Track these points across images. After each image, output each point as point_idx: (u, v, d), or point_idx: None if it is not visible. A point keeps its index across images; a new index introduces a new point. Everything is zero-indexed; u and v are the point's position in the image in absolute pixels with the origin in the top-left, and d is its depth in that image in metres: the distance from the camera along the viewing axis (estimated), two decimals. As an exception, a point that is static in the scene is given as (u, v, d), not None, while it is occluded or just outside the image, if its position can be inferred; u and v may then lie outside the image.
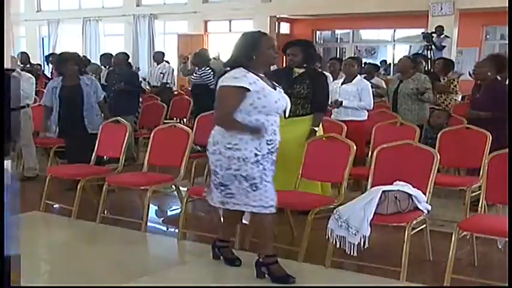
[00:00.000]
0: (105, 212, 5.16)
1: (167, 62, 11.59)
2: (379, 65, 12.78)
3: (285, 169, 4.73)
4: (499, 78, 5.79)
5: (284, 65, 6.11)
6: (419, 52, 11.94)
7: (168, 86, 10.66)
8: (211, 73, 8.82)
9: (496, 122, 5.31)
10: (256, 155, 3.53)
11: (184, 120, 9.58)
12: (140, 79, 9.13)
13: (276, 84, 3.77)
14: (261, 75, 3.64)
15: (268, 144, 3.57)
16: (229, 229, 4.11)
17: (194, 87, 8.89)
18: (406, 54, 11.38)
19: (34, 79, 7.23)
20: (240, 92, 3.50)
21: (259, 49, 3.61)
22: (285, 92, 5.14)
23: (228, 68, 3.68)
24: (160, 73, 10.72)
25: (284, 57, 5.51)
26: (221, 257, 4.04)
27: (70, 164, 5.94)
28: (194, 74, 8.92)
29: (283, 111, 3.70)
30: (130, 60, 8.91)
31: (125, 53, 8.63)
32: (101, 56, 11.10)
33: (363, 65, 9.06)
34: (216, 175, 3.67)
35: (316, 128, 5.08)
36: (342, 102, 6.09)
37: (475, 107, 5.74)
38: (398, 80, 7.05)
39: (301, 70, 5.15)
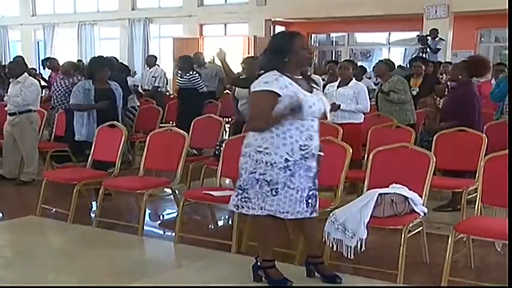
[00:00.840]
0: (102, 216, 5.14)
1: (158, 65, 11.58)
2: (365, 67, 12.74)
3: None
4: (476, 80, 5.76)
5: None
6: (418, 55, 11.97)
7: (159, 89, 10.64)
8: (199, 76, 8.76)
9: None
10: (286, 160, 3.45)
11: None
12: (130, 83, 9.06)
13: (315, 86, 3.66)
14: (296, 77, 3.52)
15: (301, 149, 3.47)
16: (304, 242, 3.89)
17: (183, 91, 8.62)
18: (400, 57, 11.40)
19: (38, 85, 7.20)
20: (271, 96, 3.40)
21: (292, 50, 3.49)
22: None
23: (262, 72, 3.58)
24: (152, 77, 10.71)
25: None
26: (315, 274, 3.80)
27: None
28: (180, 78, 8.73)
29: (322, 114, 3.59)
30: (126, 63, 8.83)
31: (115, 58, 8.58)
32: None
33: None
34: (240, 177, 3.60)
35: None
36: (339, 105, 6.10)
37: (442, 112, 5.72)
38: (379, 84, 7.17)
39: None
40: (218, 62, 10.79)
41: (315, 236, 3.79)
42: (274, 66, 3.50)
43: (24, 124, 6.80)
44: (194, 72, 8.65)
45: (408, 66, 10.39)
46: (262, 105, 3.44)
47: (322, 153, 3.69)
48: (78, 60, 13.73)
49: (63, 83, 7.57)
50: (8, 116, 6.89)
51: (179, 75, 8.89)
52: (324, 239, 3.81)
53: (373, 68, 9.19)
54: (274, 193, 3.49)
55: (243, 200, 3.59)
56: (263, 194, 3.50)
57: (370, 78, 11.11)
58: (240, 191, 3.59)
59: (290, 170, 3.47)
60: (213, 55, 10.99)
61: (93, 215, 5.30)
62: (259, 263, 3.71)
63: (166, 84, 11.50)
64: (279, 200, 3.49)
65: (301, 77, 3.56)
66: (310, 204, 3.58)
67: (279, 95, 3.40)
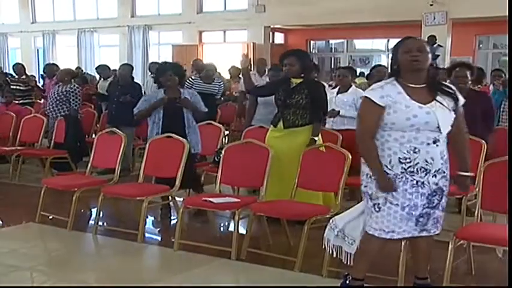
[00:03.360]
0: (101, 223, 5.14)
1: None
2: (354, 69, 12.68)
3: (283, 179, 4.73)
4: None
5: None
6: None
7: None
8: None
9: None
10: (387, 173, 3.24)
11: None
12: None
13: (443, 97, 3.27)
14: (413, 85, 3.27)
15: (401, 162, 3.22)
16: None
17: (212, 97, 8.01)
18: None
19: None
20: (372, 106, 3.23)
21: (397, 56, 3.32)
22: (283, 102, 5.16)
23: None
24: (155, 83, 10.68)
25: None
26: None
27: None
28: (208, 84, 8.12)
29: (437, 127, 3.22)
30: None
31: (130, 65, 8.54)
32: (97, 67, 11.10)
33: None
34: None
35: (316, 138, 5.09)
36: (339, 111, 6.11)
37: None
38: None
39: (299, 80, 5.15)
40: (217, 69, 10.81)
41: (423, 257, 3.51)
42: (391, 75, 3.39)
43: None
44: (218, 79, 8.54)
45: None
46: (365, 121, 3.28)
47: (468, 174, 3.44)
48: (77, 68, 13.79)
49: (58, 90, 7.58)
50: None
51: (202, 80, 8.24)
52: (323, 246, 3.80)
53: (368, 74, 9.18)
54: (377, 209, 3.29)
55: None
56: (369, 209, 3.35)
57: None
58: None
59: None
60: (213, 62, 10.95)
61: (92, 222, 5.29)
62: (348, 281, 3.54)
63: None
64: (382, 217, 3.28)
65: (423, 85, 3.28)
66: (420, 223, 3.31)
67: (379, 105, 3.22)
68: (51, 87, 8.54)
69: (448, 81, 5.69)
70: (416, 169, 3.24)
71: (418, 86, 3.27)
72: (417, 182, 3.25)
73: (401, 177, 3.25)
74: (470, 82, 5.43)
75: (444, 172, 3.31)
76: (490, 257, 4.22)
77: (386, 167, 3.26)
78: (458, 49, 14.50)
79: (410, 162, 3.24)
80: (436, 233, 3.40)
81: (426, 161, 3.24)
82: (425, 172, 3.25)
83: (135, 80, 8.56)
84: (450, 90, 3.32)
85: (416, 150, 3.23)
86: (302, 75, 5.16)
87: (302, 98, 5.08)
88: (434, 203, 3.31)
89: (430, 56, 3.32)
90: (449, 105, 3.28)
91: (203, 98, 6.80)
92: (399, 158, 3.24)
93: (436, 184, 3.29)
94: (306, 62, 5.21)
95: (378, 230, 3.31)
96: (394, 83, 3.31)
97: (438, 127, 3.22)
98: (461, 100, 3.35)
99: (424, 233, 3.36)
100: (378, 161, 3.24)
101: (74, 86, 7.74)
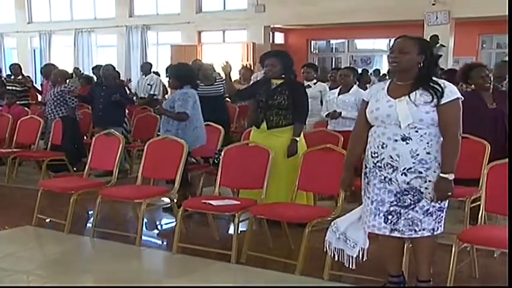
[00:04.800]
0: (99, 226, 5.08)
1: (156, 73, 11.52)
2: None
3: (272, 180, 4.69)
4: None
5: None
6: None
7: (155, 97, 10.57)
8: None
9: None
10: (365, 166, 3.42)
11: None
12: (128, 91, 9.00)
13: (421, 92, 3.24)
14: (399, 82, 3.32)
15: (372, 157, 3.35)
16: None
17: (217, 99, 7.62)
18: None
19: None
20: (363, 103, 3.47)
21: None
22: (265, 104, 5.15)
23: None
24: (148, 84, 10.66)
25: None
26: None
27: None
28: (211, 86, 7.68)
29: (397, 122, 3.23)
30: (121, 71, 8.76)
31: (113, 65, 8.46)
32: (93, 68, 11.06)
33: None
34: None
35: (297, 138, 5.06)
36: (341, 113, 6.06)
37: None
38: None
39: (279, 81, 5.15)
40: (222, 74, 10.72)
41: (422, 258, 3.45)
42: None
43: None
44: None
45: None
46: (358, 116, 3.61)
47: (445, 176, 3.22)
48: (76, 68, 13.71)
49: (54, 91, 7.53)
50: None
51: (202, 83, 7.64)
52: (325, 249, 3.75)
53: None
54: (362, 199, 3.47)
55: None
56: None
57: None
58: None
59: (367, 177, 3.40)
60: (212, 62, 10.90)
61: (90, 225, 5.23)
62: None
63: (166, 92, 11.45)
64: (362, 207, 3.47)
65: (410, 82, 3.29)
66: (389, 221, 3.33)
67: (365, 101, 3.46)
68: (49, 88, 8.48)
69: (462, 84, 5.66)
70: (383, 164, 3.31)
71: (404, 83, 3.30)
72: (385, 177, 3.32)
73: (373, 172, 3.36)
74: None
75: (421, 173, 3.25)
76: (493, 260, 4.18)
77: (366, 160, 3.41)
78: (461, 49, 14.43)
79: (378, 157, 3.33)
80: (412, 236, 3.35)
81: (391, 158, 3.28)
82: (392, 169, 3.29)
83: (132, 81, 8.49)
84: (436, 86, 3.25)
85: (384, 145, 3.30)
86: (282, 76, 5.15)
87: (284, 99, 5.08)
88: (406, 202, 3.30)
89: (416, 55, 3.27)
90: (423, 100, 3.23)
91: (209, 102, 6.65)
92: (371, 152, 3.37)
93: (408, 183, 3.27)
94: (287, 63, 5.21)
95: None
96: (386, 81, 3.45)
97: (399, 121, 3.23)
98: (449, 96, 3.22)
99: (396, 233, 3.36)
100: (348, 155, 3.60)
101: (68, 84, 7.68)
